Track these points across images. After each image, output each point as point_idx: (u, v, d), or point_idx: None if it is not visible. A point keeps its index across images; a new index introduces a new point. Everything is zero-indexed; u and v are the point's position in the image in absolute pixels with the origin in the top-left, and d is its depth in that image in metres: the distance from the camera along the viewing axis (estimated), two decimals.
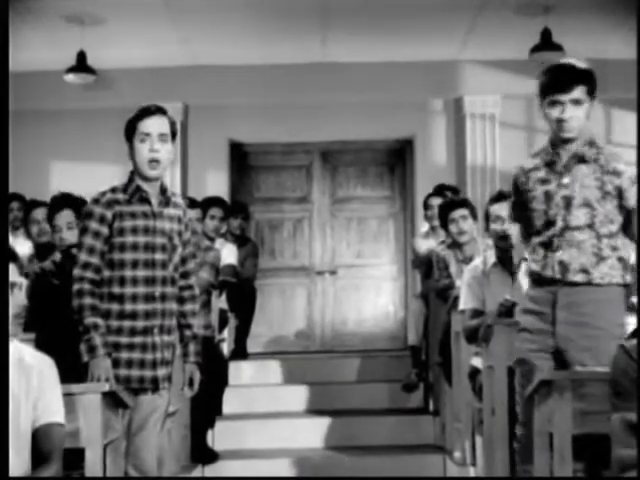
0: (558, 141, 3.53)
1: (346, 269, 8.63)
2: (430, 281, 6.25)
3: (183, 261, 3.61)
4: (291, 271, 8.64)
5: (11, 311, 2.79)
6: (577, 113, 3.47)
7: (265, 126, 8.44)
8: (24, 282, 4.30)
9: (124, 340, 3.42)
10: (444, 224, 5.83)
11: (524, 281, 4.19)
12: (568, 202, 3.46)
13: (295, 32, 7.57)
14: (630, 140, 7.80)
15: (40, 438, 2.78)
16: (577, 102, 3.47)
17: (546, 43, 7.13)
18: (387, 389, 6.96)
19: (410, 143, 8.63)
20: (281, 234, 8.70)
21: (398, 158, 8.76)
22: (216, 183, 8.35)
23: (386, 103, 8.38)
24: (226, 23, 7.27)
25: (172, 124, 3.55)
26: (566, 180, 3.48)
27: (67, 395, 2.98)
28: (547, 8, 6.95)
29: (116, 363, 3.42)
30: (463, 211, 5.67)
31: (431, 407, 6.54)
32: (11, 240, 5.76)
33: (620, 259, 3.45)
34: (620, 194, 3.44)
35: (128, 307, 3.41)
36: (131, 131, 3.49)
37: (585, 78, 3.49)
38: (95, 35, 7.19)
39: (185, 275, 3.63)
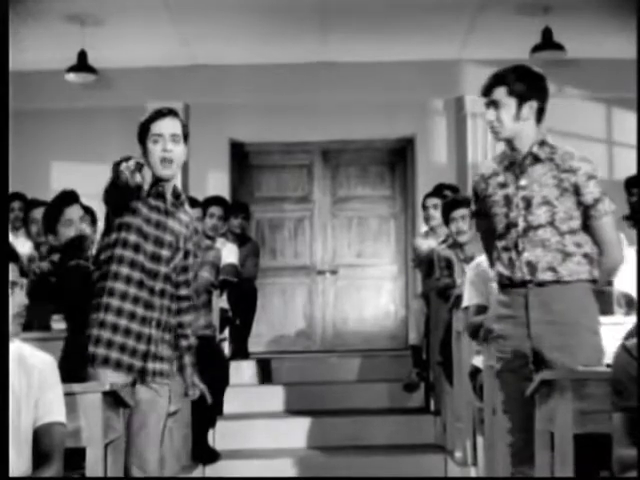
0: (509, 145, 3.55)
1: (347, 268, 8.63)
2: (431, 280, 6.25)
3: (184, 269, 3.63)
4: (292, 271, 8.64)
5: (12, 311, 2.80)
6: (499, 114, 3.48)
7: (266, 126, 8.44)
8: (25, 282, 4.31)
9: (122, 323, 3.42)
10: (446, 223, 5.84)
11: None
12: (528, 202, 3.47)
13: (295, 32, 7.57)
14: (630, 140, 7.80)
15: (41, 437, 2.78)
16: (495, 104, 3.49)
17: (547, 43, 7.13)
18: (388, 389, 6.96)
19: (411, 142, 8.63)
20: (282, 233, 8.70)
21: (399, 157, 8.76)
22: (217, 183, 8.35)
23: (387, 102, 8.37)
24: (226, 23, 7.27)
25: (184, 126, 3.59)
26: (524, 182, 3.49)
27: (68, 395, 2.98)
28: (548, 8, 6.95)
29: (110, 344, 3.41)
30: (463, 211, 5.67)
31: (432, 407, 6.54)
32: (12, 240, 5.77)
33: (585, 255, 3.46)
34: (577, 191, 3.44)
35: (132, 290, 3.43)
36: (144, 133, 3.51)
37: (505, 79, 3.49)
38: (96, 35, 7.19)
39: (186, 284, 3.65)
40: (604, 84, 8.12)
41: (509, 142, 3.54)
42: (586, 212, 3.46)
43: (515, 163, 3.53)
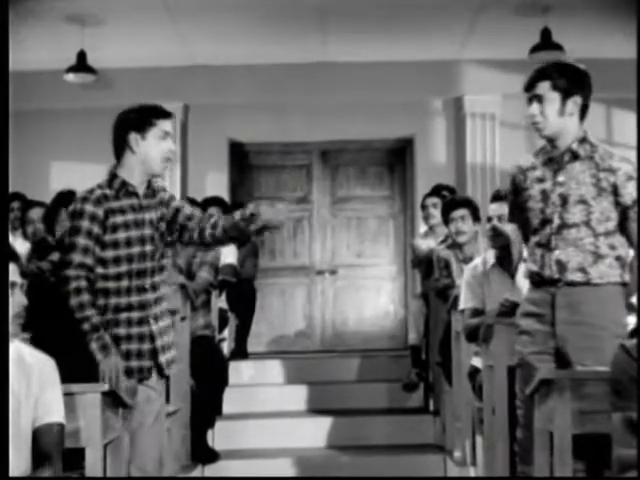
0: (548, 140, 3.53)
1: (346, 269, 8.63)
2: (430, 281, 6.25)
3: (177, 211, 3.56)
4: (291, 271, 8.64)
5: (12, 311, 2.80)
6: (544, 109, 3.47)
7: (265, 126, 8.44)
8: (25, 282, 4.31)
9: (122, 332, 3.43)
10: (445, 223, 5.84)
11: (523, 282, 4.18)
12: (564, 200, 3.45)
13: (295, 32, 7.57)
14: (630, 140, 7.80)
15: (40, 438, 2.78)
16: (538, 98, 3.48)
17: (546, 43, 7.13)
18: (387, 389, 6.96)
19: (410, 143, 8.63)
20: (281, 234, 8.69)
21: (398, 158, 8.76)
22: (216, 183, 8.35)
23: (386, 103, 8.38)
24: (226, 23, 7.26)
25: None
26: (561, 178, 3.47)
27: (67, 395, 2.98)
28: (547, 8, 6.95)
29: None
30: (463, 211, 5.66)
31: (431, 407, 6.53)
32: (11, 240, 5.77)
33: (618, 258, 3.43)
34: (615, 191, 3.43)
35: (123, 300, 3.43)
36: (149, 124, 3.48)
37: (550, 74, 3.48)
38: (95, 35, 7.19)
39: (190, 217, 3.56)
40: (604, 84, 8.06)
41: (551, 139, 3.51)
42: (624, 213, 3.44)
43: (554, 159, 3.51)
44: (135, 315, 3.45)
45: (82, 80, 7.55)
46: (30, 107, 8.13)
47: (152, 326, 3.48)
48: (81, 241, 3.39)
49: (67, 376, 3.02)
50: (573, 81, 3.49)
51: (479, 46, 7.86)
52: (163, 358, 3.52)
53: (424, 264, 6.50)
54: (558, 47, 7.12)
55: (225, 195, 7.94)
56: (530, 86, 3.50)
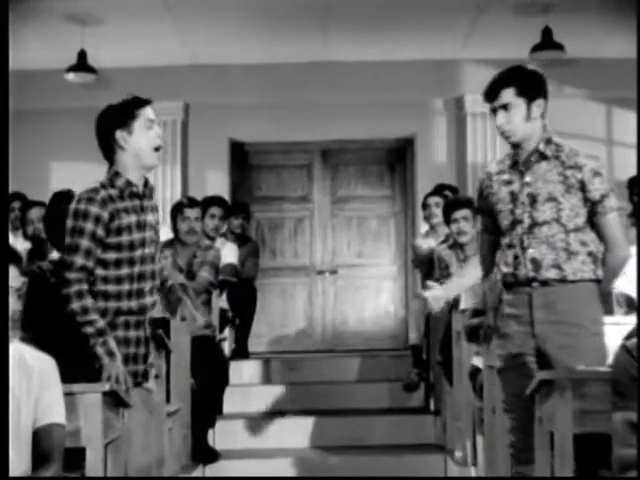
0: (514, 146, 3.55)
1: (347, 269, 8.63)
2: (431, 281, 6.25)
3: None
4: (292, 271, 8.64)
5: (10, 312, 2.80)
6: (511, 117, 3.47)
7: (265, 125, 8.43)
8: (25, 281, 4.31)
9: (120, 334, 3.37)
10: (447, 222, 5.84)
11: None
12: (533, 199, 3.47)
13: (295, 31, 7.57)
14: (631, 139, 7.80)
15: (41, 438, 2.78)
16: (505, 107, 3.47)
17: (547, 42, 7.13)
18: (388, 389, 6.95)
19: (411, 142, 8.62)
20: (282, 233, 8.70)
21: (399, 157, 8.76)
22: (216, 182, 8.34)
23: (386, 102, 8.37)
24: (226, 23, 7.26)
25: None
26: (529, 178, 3.49)
27: (68, 395, 2.98)
28: (547, 7, 6.95)
29: None
30: (465, 212, 5.66)
31: (432, 407, 6.53)
32: (11, 240, 5.77)
33: (590, 254, 3.45)
34: (583, 187, 3.44)
35: (124, 304, 3.37)
36: (131, 117, 3.42)
37: (511, 80, 3.48)
38: (96, 35, 7.18)
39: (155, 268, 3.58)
40: (604, 84, 8.11)
41: (518, 144, 3.52)
42: (592, 208, 3.46)
43: (519, 161, 3.53)
44: (133, 319, 3.40)
45: (82, 80, 7.55)
46: (30, 107, 8.12)
47: (147, 331, 3.45)
48: (84, 243, 3.31)
49: (67, 376, 3.02)
50: (535, 85, 3.50)
51: (480, 46, 7.86)
52: (149, 361, 3.48)
53: (425, 264, 6.50)
54: (559, 47, 7.12)
55: (226, 195, 7.93)
56: (493, 96, 3.49)
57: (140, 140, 3.41)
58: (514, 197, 3.51)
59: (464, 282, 4.35)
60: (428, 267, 6.35)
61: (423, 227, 7.29)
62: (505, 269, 3.51)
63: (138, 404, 3.46)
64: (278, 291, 8.60)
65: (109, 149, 3.47)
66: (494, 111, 3.51)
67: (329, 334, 8.59)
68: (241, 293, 7.13)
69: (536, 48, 7.15)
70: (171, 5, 6.88)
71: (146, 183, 3.50)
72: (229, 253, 6.65)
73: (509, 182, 3.54)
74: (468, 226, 5.67)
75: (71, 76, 7.49)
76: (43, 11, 6.83)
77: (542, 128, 3.52)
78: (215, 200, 6.78)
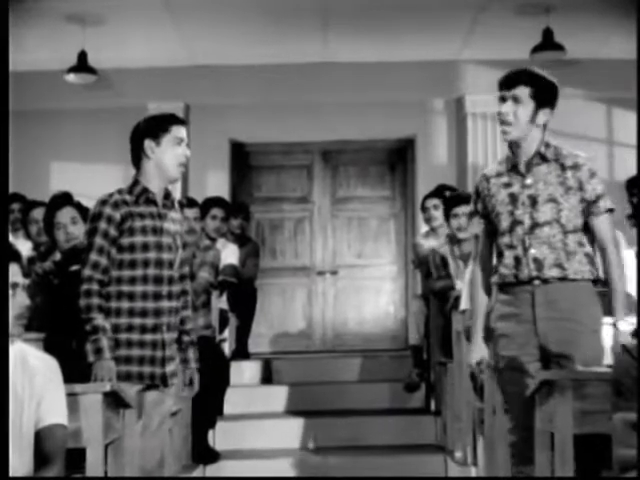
0: (514, 146, 3.56)
1: (347, 269, 8.63)
2: (430, 281, 6.25)
3: (181, 264, 3.70)
4: (292, 271, 8.64)
5: (14, 312, 2.79)
6: (518, 111, 3.49)
7: (266, 126, 8.44)
8: (26, 282, 4.31)
9: (135, 337, 3.49)
10: (447, 218, 5.84)
11: None
12: (534, 200, 3.51)
13: (296, 32, 7.56)
14: (630, 140, 7.81)
15: (43, 439, 2.77)
16: (516, 99, 3.50)
17: (547, 43, 7.12)
18: (388, 389, 6.96)
19: (411, 143, 8.63)
20: (282, 234, 8.70)
21: (399, 158, 8.76)
22: (217, 183, 8.35)
23: (387, 103, 8.37)
24: (226, 23, 7.26)
25: None
26: (529, 180, 3.53)
27: (69, 395, 2.98)
28: (548, 8, 6.94)
29: (128, 360, 3.48)
30: (466, 208, 5.65)
31: (432, 407, 6.54)
32: (12, 241, 5.76)
33: (587, 254, 3.50)
34: (581, 187, 3.49)
35: (138, 305, 3.49)
36: (162, 130, 3.58)
37: (530, 80, 3.51)
38: (96, 35, 7.18)
39: (183, 278, 3.71)
40: (604, 84, 8.11)
41: (516, 143, 3.55)
42: (587, 208, 3.50)
43: (519, 164, 3.55)
44: (149, 322, 3.50)
45: (83, 80, 7.54)
46: (30, 107, 8.13)
47: (165, 334, 3.54)
48: (97, 241, 3.49)
49: (71, 377, 3.02)
50: (550, 95, 3.55)
51: (480, 46, 7.85)
52: (168, 368, 3.57)
53: (425, 264, 6.50)
54: (559, 47, 7.12)
55: (226, 195, 7.94)
56: (509, 86, 3.52)
57: (166, 153, 3.59)
58: (514, 199, 3.54)
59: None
60: (428, 267, 6.34)
61: (423, 227, 7.28)
62: (505, 270, 3.52)
63: (149, 406, 3.50)
64: (278, 291, 8.61)
65: (137, 156, 3.64)
66: (503, 99, 3.54)
67: (329, 334, 8.59)
68: (241, 294, 7.13)
69: (537, 49, 7.15)
70: (171, 6, 6.88)
71: (167, 195, 3.66)
72: (230, 254, 6.65)
73: (508, 185, 3.57)
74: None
75: (71, 77, 7.48)
76: (43, 11, 6.83)
77: (541, 136, 3.55)
78: (217, 201, 6.78)
